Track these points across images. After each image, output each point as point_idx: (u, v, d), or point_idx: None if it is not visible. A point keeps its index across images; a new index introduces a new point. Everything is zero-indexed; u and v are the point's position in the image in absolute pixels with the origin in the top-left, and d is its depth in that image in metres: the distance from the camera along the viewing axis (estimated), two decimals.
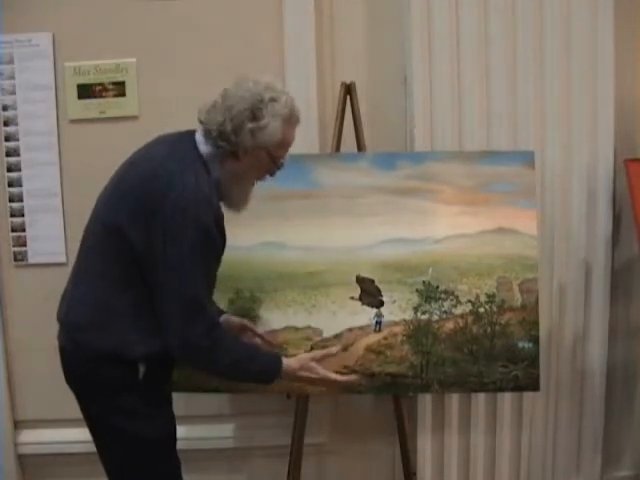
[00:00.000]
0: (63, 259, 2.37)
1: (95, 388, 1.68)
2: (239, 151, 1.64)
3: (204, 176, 1.63)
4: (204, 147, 1.66)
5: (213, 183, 1.65)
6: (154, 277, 1.62)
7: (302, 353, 1.94)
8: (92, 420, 1.73)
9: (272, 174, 1.74)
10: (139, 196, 1.60)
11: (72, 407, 1.75)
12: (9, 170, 2.40)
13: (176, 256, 1.57)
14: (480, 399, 2.36)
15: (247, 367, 1.72)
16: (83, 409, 1.74)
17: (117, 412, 1.67)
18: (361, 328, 2.07)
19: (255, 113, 1.62)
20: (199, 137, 1.68)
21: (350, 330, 2.08)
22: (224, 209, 1.69)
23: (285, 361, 1.77)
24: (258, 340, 1.96)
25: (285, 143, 1.69)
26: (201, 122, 1.68)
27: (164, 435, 1.74)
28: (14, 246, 2.42)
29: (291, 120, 1.67)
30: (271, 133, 1.63)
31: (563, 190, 2.35)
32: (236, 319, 1.97)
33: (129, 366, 1.65)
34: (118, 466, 1.74)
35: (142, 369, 1.66)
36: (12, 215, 2.41)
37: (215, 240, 1.62)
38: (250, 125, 1.61)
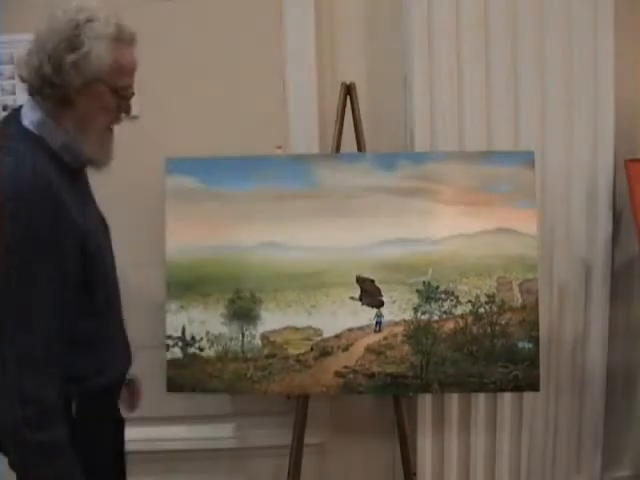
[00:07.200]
0: None
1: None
2: (70, 94, 1.34)
3: (29, 156, 1.30)
4: (31, 116, 1.36)
5: (55, 154, 1.36)
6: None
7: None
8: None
9: (126, 110, 1.43)
10: None
11: None
12: None
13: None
14: (480, 399, 2.36)
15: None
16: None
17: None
18: (361, 328, 2.08)
19: (72, 42, 1.32)
20: (25, 107, 1.39)
21: (350, 330, 2.08)
22: (96, 171, 1.44)
23: None
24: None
25: (122, 67, 1.38)
26: (22, 79, 1.39)
27: None
28: None
29: (121, 38, 1.37)
30: (97, 59, 1.33)
31: (563, 190, 2.35)
32: (136, 383, 1.60)
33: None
34: None
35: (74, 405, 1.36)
36: None
37: (42, 230, 1.25)
38: (70, 57, 1.32)
